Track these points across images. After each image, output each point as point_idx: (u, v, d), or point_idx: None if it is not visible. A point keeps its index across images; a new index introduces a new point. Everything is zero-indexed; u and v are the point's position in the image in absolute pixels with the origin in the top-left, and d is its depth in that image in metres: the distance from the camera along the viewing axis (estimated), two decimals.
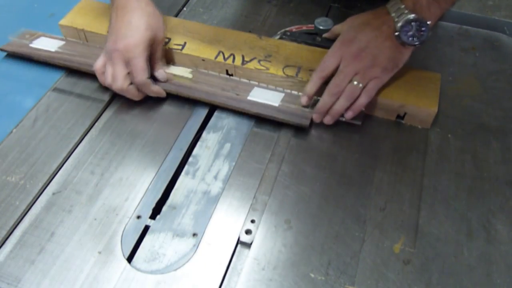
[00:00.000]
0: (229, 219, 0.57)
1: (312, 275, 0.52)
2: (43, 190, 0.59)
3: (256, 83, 0.70)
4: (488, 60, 0.78)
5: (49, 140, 0.65)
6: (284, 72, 0.68)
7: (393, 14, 0.62)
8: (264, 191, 0.59)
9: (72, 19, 0.77)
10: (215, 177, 0.61)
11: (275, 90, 0.69)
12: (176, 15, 0.86)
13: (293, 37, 0.78)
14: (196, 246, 0.54)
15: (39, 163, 0.62)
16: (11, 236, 0.55)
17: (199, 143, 0.65)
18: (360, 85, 0.62)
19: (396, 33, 0.61)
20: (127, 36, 0.64)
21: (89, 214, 0.57)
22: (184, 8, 0.88)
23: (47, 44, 0.76)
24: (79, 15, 0.77)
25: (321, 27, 0.76)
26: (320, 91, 0.65)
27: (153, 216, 0.57)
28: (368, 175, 0.61)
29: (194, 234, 0.55)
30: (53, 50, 0.75)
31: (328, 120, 0.65)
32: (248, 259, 0.53)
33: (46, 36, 0.77)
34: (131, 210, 0.57)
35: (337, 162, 0.63)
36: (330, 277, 0.52)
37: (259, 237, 0.55)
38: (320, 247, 0.54)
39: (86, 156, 0.63)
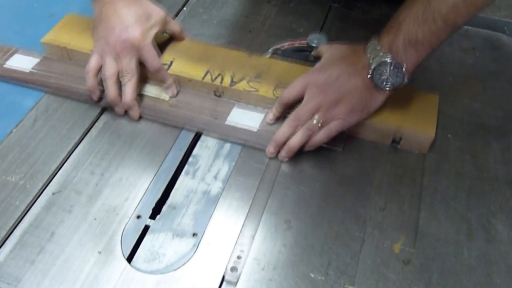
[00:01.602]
0: (229, 219, 0.57)
1: (312, 275, 0.52)
2: (43, 190, 0.59)
3: (236, 102, 0.67)
4: (488, 60, 0.78)
5: (49, 140, 0.64)
6: (274, 94, 0.65)
7: (368, 54, 0.59)
8: (264, 191, 0.59)
9: (54, 36, 0.73)
10: (215, 177, 0.61)
11: (255, 110, 0.67)
12: (176, 15, 0.86)
13: (285, 55, 0.75)
14: (196, 246, 0.54)
15: (39, 163, 0.62)
16: (11, 236, 0.55)
17: (199, 143, 0.65)
18: (320, 123, 0.59)
19: (369, 74, 0.58)
20: (131, 27, 0.63)
21: (89, 214, 0.57)
22: (184, 8, 0.88)
23: (22, 63, 0.72)
24: (62, 31, 0.74)
25: (313, 44, 0.73)
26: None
27: (153, 216, 0.57)
28: (368, 175, 0.61)
29: (194, 234, 0.55)
30: (27, 70, 0.71)
31: (282, 156, 0.61)
32: (248, 259, 0.53)
33: (22, 53, 0.74)
34: (131, 210, 0.57)
35: (337, 162, 0.63)
36: (330, 277, 0.52)
37: (259, 237, 0.55)
38: (320, 247, 0.54)
39: (86, 156, 0.63)
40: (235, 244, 0.54)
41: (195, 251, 0.54)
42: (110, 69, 0.64)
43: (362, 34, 0.81)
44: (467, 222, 0.57)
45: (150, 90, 0.69)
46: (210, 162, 0.63)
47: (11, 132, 0.65)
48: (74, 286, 0.51)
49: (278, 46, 0.77)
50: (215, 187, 0.60)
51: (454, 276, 0.52)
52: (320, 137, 0.60)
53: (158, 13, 0.68)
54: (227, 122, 0.65)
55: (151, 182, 0.60)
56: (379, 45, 0.58)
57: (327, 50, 0.65)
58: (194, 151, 0.64)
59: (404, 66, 0.57)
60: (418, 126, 0.62)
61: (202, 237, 0.55)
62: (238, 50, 0.72)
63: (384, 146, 0.64)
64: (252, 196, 0.59)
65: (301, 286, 0.51)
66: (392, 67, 0.57)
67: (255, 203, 0.58)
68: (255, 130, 0.64)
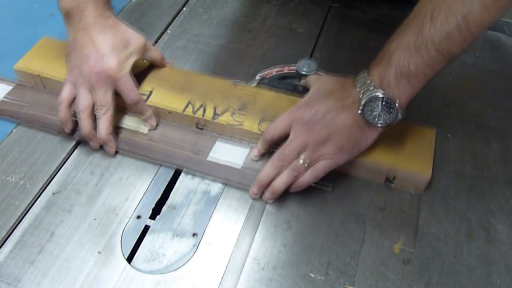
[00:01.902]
0: (229, 219, 0.57)
1: (312, 275, 0.52)
2: (43, 190, 0.59)
3: (219, 135, 0.63)
4: (488, 60, 0.78)
5: (49, 140, 0.64)
6: (259, 128, 0.61)
7: (358, 89, 0.54)
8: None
9: (28, 62, 0.69)
10: (214, 180, 0.61)
11: (240, 144, 0.62)
12: (176, 15, 0.86)
13: (272, 84, 0.69)
14: (196, 246, 0.54)
15: (39, 163, 0.62)
16: (11, 236, 0.55)
17: None
18: (306, 164, 0.55)
19: (360, 111, 0.53)
20: (104, 58, 0.59)
21: (89, 214, 0.57)
22: (184, 8, 0.88)
23: None
24: (36, 57, 0.70)
25: (303, 72, 0.68)
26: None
27: (153, 216, 0.57)
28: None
29: (194, 234, 0.55)
30: None
31: (267, 197, 0.57)
32: (248, 259, 0.53)
33: None
34: (131, 210, 0.57)
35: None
36: (330, 277, 0.52)
37: (259, 237, 0.55)
38: (320, 247, 0.54)
39: (86, 156, 0.63)
40: (235, 244, 0.54)
41: (195, 251, 0.54)
42: (84, 102, 0.60)
43: (362, 34, 0.82)
44: (467, 222, 0.57)
45: (128, 122, 0.65)
46: None
47: (11, 132, 0.65)
48: (74, 286, 0.51)
49: (266, 73, 0.72)
50: (215, 187, 0.60)
51: (454, 276, 0.52)
52: (307, 178, 0.55)
53: (136, 40, 0.63)
54: (208, 158, 0.61)
55: (151, 182, 0.60)
56: (369, 78, 0.53)
57: (315, 83, 0.60)
58: None
59: (397, 101, 0.52)
60: (413, 166, 0.57)
61: (202, 237, 0.55)
62: (222, 79, 0.68)
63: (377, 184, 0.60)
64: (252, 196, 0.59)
65: (301, 286, 0.51)
66: (384, 103, 0.52)
67: (255, 203, 0.58)
68: (239, 167, 0.60)
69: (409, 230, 0.56)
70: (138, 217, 0.57)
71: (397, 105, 0.52)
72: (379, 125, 0.54)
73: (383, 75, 0.52)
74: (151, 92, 0.65)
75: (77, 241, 0.54)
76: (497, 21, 0.83)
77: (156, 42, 0.80)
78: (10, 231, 0.55)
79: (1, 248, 0.54)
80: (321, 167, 0.55)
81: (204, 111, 0.63)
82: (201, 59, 0.77)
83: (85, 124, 0.60)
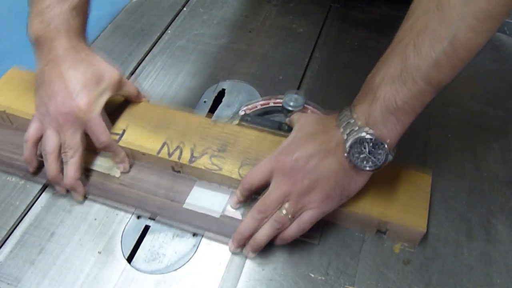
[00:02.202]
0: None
1: (312, 275, 0.52)
2: (43, 190, 0.59)
3: (196, 179, 0.58)
4: (488, 60, 0.78)
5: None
6: (240, 173, 0.56)
7: (341, 129, 0.48)
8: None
9: None
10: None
11: (219, 189, 0.58)
12: (176, 15, 0.86)
13: (255, 121, 0.63)
14: (196, 246, 0.54)
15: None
16: (11, 236, 0.55)
17: None
18: (289, 216, 0.50)
19: (346, 154, 0.48)
20: (74, 97, 0.54)
21: (89, 214, 0.57)
22: (184, 8, 0.88)
23: None
24: (3, 90, 0.64)
25: (289, 107, 0.63)
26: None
27: (153, 216, 0.57)
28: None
29: (194, 234, 0.55)
30: None
31: (246, 252, 0.52)
32: (248, 259, 0.53)
33: None
34: (131, 210, 0.57)
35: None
36: (330, 277, 0.52)
37: None
38: (320, 247, 0.54)
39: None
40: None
41: (195, 251, 0.54)
42: (51, 143, 0.55)
43: (362, 34, 0.82)
44: (467, 222, 0.57)
45: (99, 163, 0.60)
46: None
47: None
48: (74, 286, 0.51)
49: (250, 106, 0.66)
50: None
51: (454, 276, 0.52)
52: (293, 230, 0.51)
53: (110, 75, 0.58)
54: (185, 206, 0.56)
55: None
56: (353, 117, 0.48)
57: (297, 123, 0.55)
58: None
59: (387, 141, 0.47)
60: (406, 218, 0.53)
61: (202, 237, 0.55)
62: (200, 117, 0.64)
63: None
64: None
65: (301, 286, 0.51)
66: (371, 144, 0.47)
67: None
68: (217, 216, 0.55)
69: None
70: (138, 217, 0.57)
71: (386, 146, 0.47)
72: (368, 169, 0.48)
73: (368, 113, 0.47)
74: (124, 131, 0.60)
75: (77, 241, 0.54)
76: (492, 37, 0.83)
77: (156, 42, 0.80)
78: (10, 231, 0.55)
79: (1, 248, 0.54)
80: (307, 218, 0.51)
81: (181, 153, 0.58)
82: (201, 59, 0.77)
83: (51, 168, 0.55)
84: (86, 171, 0.59)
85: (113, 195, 0.58)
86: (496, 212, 0.58)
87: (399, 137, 0.48)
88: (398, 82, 0.45)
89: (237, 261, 0.53)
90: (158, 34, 0.82)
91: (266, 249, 0.54)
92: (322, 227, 0.55)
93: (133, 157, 0.60)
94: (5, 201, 0.58)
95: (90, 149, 0.59)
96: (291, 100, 0.64)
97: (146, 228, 0.56)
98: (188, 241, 0.55)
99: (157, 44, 0.80)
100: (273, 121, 0.64)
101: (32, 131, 0.57)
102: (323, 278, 0.52)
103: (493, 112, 0.69)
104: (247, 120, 0.63)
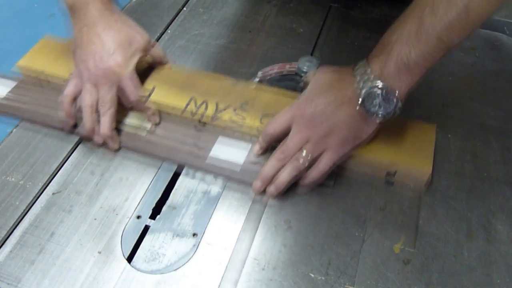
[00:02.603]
0: (229, 219, 0.57)
1: (312, 275, 0.52)
2: (43, 190, 0.59)
3: (220, 132, 0.63)
4: (488, 60, 0.78)
5: (49, 140, 0.64)
6: (261, 122, 0.61)
7: (358, 79, 0.54)
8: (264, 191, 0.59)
9: (30, 60, 0.70)
10: (215, 177, 0.61)
11: (241, 142, 0.62)
12: (176, 15, 0.86)
13: (274, 81, 0.70)
14: (196, 246, 0.54)
15: (39, 163, 0.62)
16: (11, 236, 0.55)
17: None
18: (309, 157, 0.55)
19: (360, 101, 0.53)
20: (111, 54, 0.60)
21: (89, 214, 0.57)
22: (184, 8, 0.88)
23: None
24: (38, 55, 0.70)
25: (304, 69, 0.68)
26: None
27: (153, 216, 0.57)
28: (367, 175, 0.61)
29: (194, 234, 0.55)
30: (2, 96, 0.68)
31: (271, 191, 0.57)
32: (248, 259, 0.53)
33: None
34: (131, 210, 0.57)
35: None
36: (330, 277, 0.52)
37: (259, 237, 0.55)
38: (320, 247, 0.54)
39: (86, 156, 0.63)
40: (235, 244, 0.54)
41: (195, 251, 0.54)
42: (89, 98, 0.60)
43: (362, 34, 0.82)
44: (467, 222, 0.57)
45: (130, 120, 0.65)
46: None
47: (11, 132, 0.65)
48: (74, 286, 0.51)
49: (267, 70, 0.72)
50: (215, 187, 0.60)
51: (454, 276, 0.52)
52: (314, 174, 0.56)
53: (141, 37, 0.63)
54: (210, 155, 0.61)
55: (151, 182, 0.60)
56: (369, 68, 0.53)
57: (313, 77, 0.60)
58: None
59: (397, 92, 0.52)
60: (413, 161, 0.58)
61: (202, 237, 0.55)
62: (223, 77, 0.68)
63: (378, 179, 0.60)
64: (252, 196, 0.59)
65: (301, 286, 0.51)
66: (384, 93, 0.52)
67: (255, 203, 0.58)
68: (240, 164, 0.60)
69: (409, 230, 0.56)
70: (138, 217, 0.57)
71: (397, 95, 0.52)
72: (380, 116, 0.54)
73: (384, 65, 0.52)
74: (153, 88, 0.65)
75: (77, 241, 0.54)
76: (497, 21, 0.83)
77: (156, 42, 0.80)
78: (10, 231, 0.55)
79: (1, 248, 0.54)
80: (325, 160, 0.56)
81: (206, 108, 0.63)
82: (201, 59, 0.77)
83: (89, 119, 0.60)
84: (118, 127, 0.63)
85: (143, 146, 0.62)
86: (496, 212, 0.58)
87: (409, 89, 0.53)
88: (414, 40, 0.50)
89: (237, 261, 0.53)
90: (158, 34, 0.82)
91: (266, 249, 0.54)
92: (336, 173, 0.59)
93: (163, 112, 0.65)
94: (5, 201, 0.58)
95: (121, 107, 0.63)
96: (305, 64, 0.69)
97: (146, 228, 0.56)
98: (188, 241, 0.55)
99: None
100: (289, 82, 0.70)
101: (70, 87, 0.61)
102: (323, 278, 0.52)
103: (493, 112, 0.69)
104: (265, 80, 0.70)
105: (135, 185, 0.60)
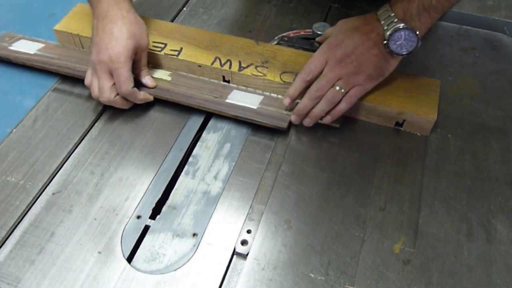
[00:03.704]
0: (229, 219, 0.57)
1: (312, 275, 0.52)
2: (43, 190, 0.59)
3: (235, 85, 0.70)
4: (488, 60, 0.78)
5: (49, 140, 0.65)
6: (281, 79, 0.67)
7: (382, 22, 0.60)
8: (264, 191, 0.59)
9: (67, 24, 0.75)
10: (215, 177, 0.61)
11: (254, 92, 0.69)
12: (176, 15, 0.86)
13: (291, 43, 0.77)
14: (196, 246, 0.54)
15: (39, 163, 0.62)
16: (11, 236, 0.55)
17: (199, 143, 0.65)
18: (342, 90, 0.61)
19: (385, 42, 0.59)
20: (109, 47, 0.62)
21: (89, 214, 0.57)
22: (184, 8, 0.88)
23: (26, 47, 0.75)
24: (74, 20, 0.76)
25: (319, 32, 0.75)
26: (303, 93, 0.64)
27: (153, 216, 0.57)
28: (368, 175, 0.61)
29: (194, 234, 0.55)
30: (32, 52, 0.74)
31: (307, 122, 0.65)
32: (248, 259, 0.53)
33: (26, 39, 0.76)
34: (131, 210, 0.57)
35: (337, 162, 0.63)
36: (330, 277, 0.52)
37: (259, 237, 0.55)
38: (320, 247, 0.54)
39: (86, 156, 0.63)
40: (235, 244, 0.54)
41: (195, 251, 0.54)
42: (93, 90, 0.65)
43: None
44: (467, 222, 0.57)
45: (153, 73, 0.71)
46: (210, 162, 0.63)
47: (11, 132, 0.65)
48: (74, 286, 0.51)
49: (284, 34, 0.79)
50: (215, 187, 0.60)
51: (454, 276, 0.52)
52: (343, 105, 0.62)
53: (141, 36, 0.66)
54: (227, 100, 0.68)
55: (151, 182, 0.60)
56: (393, 12, 0.59)
57: (336, 27, 0.66)
58: (194, 151, 0.64)
59: (418, 31, 0.58)
60: (420, 109, 0.64)
61: (202, 237, 0.55)
62: (245, 38, 0.74)
63: (387, 128, 0.67)
64: (252, 196, 0.59)
65: (301, 286, 0.51)
66: (406, 35, 0.58)
67: (255, 203, 0.58)
68: (255, 107, 0.67)
69: (409, 230, 0.56)
70: (138, 217, 0.57)
71: (417, 35, 0.58)
72: (403, 54, 0.60)
73: (406, 9, 0.58)
74: (181, 48, 0.71)
75: (77, 241, 0.54)
76: (497, 21, 0.83)
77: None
78: (10, 231, 0.55)
79: (1, 248, 0.54)
80: (354, 94, 0.62)
81: (230, 65, 0.69)
82: None
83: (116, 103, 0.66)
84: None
85: (165, 92, 0.68)
86: (496, 212, 0.58)
87: (428, 29, 0.60)
88: None
89: (237, 261, 0.53)
90: None
91: (266, 249, 0.54)
92: (342, 116, 0.65)
93: (190, 70, 0.71)
94: (5, 201, 0.58)
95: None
96: (320, 27, 0.75)
97: (146, 228, 0.56)
98: (188, 241, 0.55)
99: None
100: (306, 42, 0.76)
101: (88, 77, 0.66)
102: (323, 278, 0.52)
103: (493, 112, 0.69)
104: (284, 40, 0.77)
105: (135, 185, 0.60)
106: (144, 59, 0.68)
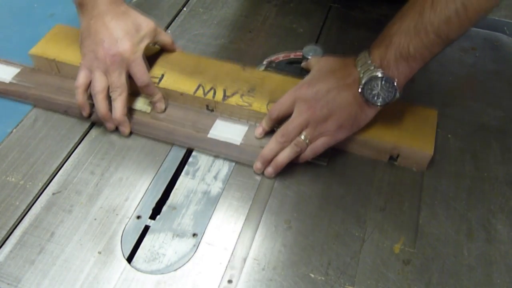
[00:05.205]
0: (229, 219, 0.57)
1: (312, 275, 0.52)
2: (43, 190, 0.59)
3: (219, 114, 0.66)
4: (488, 60, 0.78)
5: (49, 140, 0.64)
6: (268, 109, 0.63)
7: (359, 68, 0.57)
8: (264, 191, 0.59)
9: (43, 47, 0.71)
10: (215, 177, 0.61)
11: (239, 122, 0.65)
12: (176, 15, 0.86)
13: (279, 68, 0.72)
14: (196, 246, 0.54)
15: (39, 163, 0.62)
16: (11, 236, 0.55)
17: None
18: (307, 140, 0.58)
19: (360, 89, 0.56)
20: (120, 40, 0.62)
21: (89, 214, 0.57)
22: (184, 8, 0.88)
23: (2, 73, 0.70)
24: (51, 42, 0.72)
25: (309, 57, 0.70)
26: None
27: (153, 216, 0.57)
28: (368, 174, 0.61)
29: (194, 234, 0.55)
30: (7, 81, 0.70)
31: (269, 172, 0.60)
32: (248, 259, 0.53)
33: (1, 62, 0.72)
34: (131, 210, 0.57)
35: (337, 162, 0.63)
36: (330, 277, 0.52)
37: (259, 237, 0.55)
38: (320, 247, 0.54)
39: (86, 156, 0.63)
40: (235, 244, 0.54)
41: (195, 251, 0.54)
42: (100, 84, 0.62)
43: (362, 34, 0.82)
44: (467, 222, 0.57)
45: (135, 103, 0.67)
46: (210, 162, 0.63)
47: (11, 132, 0.65)
48: (74, 286, 0.51)
49: (272, 58, 0.75)
50: (215, 187, 0.60)
51: (454, 276, 0.52)
52: (307, 154, 0.59)
53: (147, 24, 0.66)
54: (209, 135, 0.64)
55: (151, 182, 0.60)
56: (370, 58, 0.56)
57: (316, 63, 0.63)
58: (194, 152, 0.64)
59: (396, 80, 0.54)
60: (416, 144, 0.60)
61: (202, 237, 0.55)
62: (231, 63, 0.70)
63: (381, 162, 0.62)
64: (252, 196, 0.59)
65: (301, 286, 0.51)
66: (383, 82, 0.55)
67: (255, 203, 0.58)
68: (238, 143, 0.63)
69: (409, 230, 0.56)
70: (138, 217, 0.57)
71: (395, 84, 0.54)
72: (378, 104, 0.56)
73: (383, 56, 0.54)
74: (162, 75, 0.67)
75: (77, 241, 0.54)
76: (497, 21, 0.83)
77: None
78: (10, 231, 0.55)
79: (1, 248, 0.54)
80: (320, 143, 0.59)
81: (215, 93, 0.65)
82: None
83: (101, 106, 0.62)
84: (128, 110, 0.65)
85: (144, 128, 0.65)
86: (496, 212, 0.58)
87: (407, 79, 0.56)
88: (412, 33, 0.52)
89: (237, 261, 0.53)
90: None
91: (266, 249, 0.54)
92: (330, 151, 0.61)
93: (171, 98, 0.67)
94: (5, 201, 0.58)
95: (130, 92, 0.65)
96: (311, 51, 0.70)
97: (146, 228, 0.56)
98: (188, 241, 0.55)
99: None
100: (295, 68, 0.72)
101: (81, 77, 0.63)
102: (323, 278, 0.52)
103: (493, 112, 0.69)
104: (272, 66, 0.73)
105: (135, 185, 0.60)
106: (164, 36, 0.69)
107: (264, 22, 0.85)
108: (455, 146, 0.65)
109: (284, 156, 0.59)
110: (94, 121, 0.66)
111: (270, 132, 0.63)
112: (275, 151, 0.59)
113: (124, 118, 0.63)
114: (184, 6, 0.88)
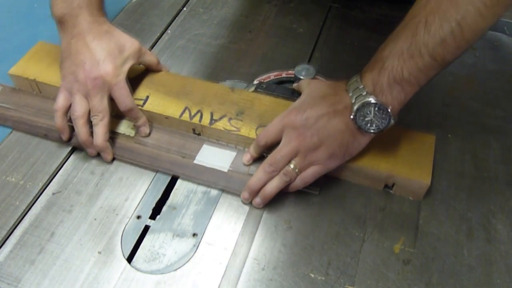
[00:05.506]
0: (229, 219, 0.57)
1: (312, 275, 0.52)
2: (43, 190, 0.59)
3: (206, 138, 0.63)
4: (488, 60, 0.78)
5: (49, 140, 0.64)
6: (256, 134, 0.60)
7: (350, 94, 0.53)
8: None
9: (24, 66, 0.68)
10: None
11: (227, 147, 0.62)
12: (176, 15, 0.86)
13: (270, 89, 0.69)
14: (196, 246, 0.54)
15: (39, 163, 0.62)
16: (11, 236, 0.55)
17: None
18: (297, 170, 0.55)
19: (352, 116, 0.53)
20: (102, 62, 0.59)
21: (89, 214, 0.57)
22: (184, 8, 0.88)
23: None
24: (32, 61, 0.69)
25: (301, 77, 0.68)
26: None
27: (153, 216, 0.57)
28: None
29: (194, 234, 0.55)
30: None
31: (257, 202, 0.57)
32: (248, 259, 0.53)
33: None
34: (131, 210, 0.57)
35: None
36: (330, 277, 0.52)
37: (259, 237, 0.55)
38: (320, 247, 0.54)
39: (86, 156, 0.63)
40: (235, 244, 0.54)
41: (195, 251, 0.54)
42: (80, 109, 0.59)
43: (362, 34, 0.82)
44: (467, 222, 0.57)
45: (118, 126, 0.64)
46: None
47: (11, 132, 0.65)
48: (74, 286, 0.51)
49: (263, 77, 0.71)
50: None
51: (455, 276, 0.52)
52: (297, 184, 0.56)
53: (131, 45, 0.62)
54: (196, 161, 0.61)
55: (151, 182, 0.60)
56: (362, 83, 0.52)
57: (307, 87, 0.59)
58: None
59: (390, 107, 0.51)
60: (412, 173, 0.57)
61: (202, 237, 0.55)
62: (218, 85, 0.68)
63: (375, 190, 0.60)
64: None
65: (301, 286, 0.51)
66: (376, 109, 0.51)
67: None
68: (225, 170, 0.60)
69: (409, 230, 0.56)
70: (138, 217, 0.57)
71: (389, 111, 0.51)
72: (372, 131, 0.53)
73: (376, 81, 0.51)
74: (147, 97, 0.64)
75: (77, 241, 0.54)
76: (497, 21, 0.83)
77: (156, 42, 0.80)
78: (10, 231, 0.55)
79: (1, 248, 0.54)
80: (311, 173, 0.55)
81: (201, 116, 0.62)
82: (201, 59, 0.77)
83: (82, 132, 0.59)
84: (111, 135, 0.62)
85: (128, 153, 0.62)
86: (496, 212, 0.58)
87: (402, 105, 0.52)
88: (406, 55, 0.49)
89: (237, 261, 0.53)
90: (158, 34, 0.82)
91: (266, 249, 0.54)
92: (322, 179, 0.57)
93: (156, 121, 0.64)
94: (5, 201, 0.58)
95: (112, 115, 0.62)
96: (303, 70, 0.68)
97: (146, 228, 0.56)
98: (188, 241, 0.55)
99: (157, 44, 0.80)
100: (286, 89, 0.69)
101: (61, 101, 0.60)
102: (323, 278, 0.52)
103: (493, 112, 0.69)
104: (262, 87, 0.69)
105: (135, 185, 0.60)
106: (149, 56, 0.66)
107: (264, 22, 0.85)
108: (455, 146, 0.65)
109: (273, 187, 0.56)
110: (74, 146, 0.63)
111: (259, 158, 0.60)
112: (263, 181, 0.56)
113: (106, 144, 0.60)
114: (184, 6, 0.88)
